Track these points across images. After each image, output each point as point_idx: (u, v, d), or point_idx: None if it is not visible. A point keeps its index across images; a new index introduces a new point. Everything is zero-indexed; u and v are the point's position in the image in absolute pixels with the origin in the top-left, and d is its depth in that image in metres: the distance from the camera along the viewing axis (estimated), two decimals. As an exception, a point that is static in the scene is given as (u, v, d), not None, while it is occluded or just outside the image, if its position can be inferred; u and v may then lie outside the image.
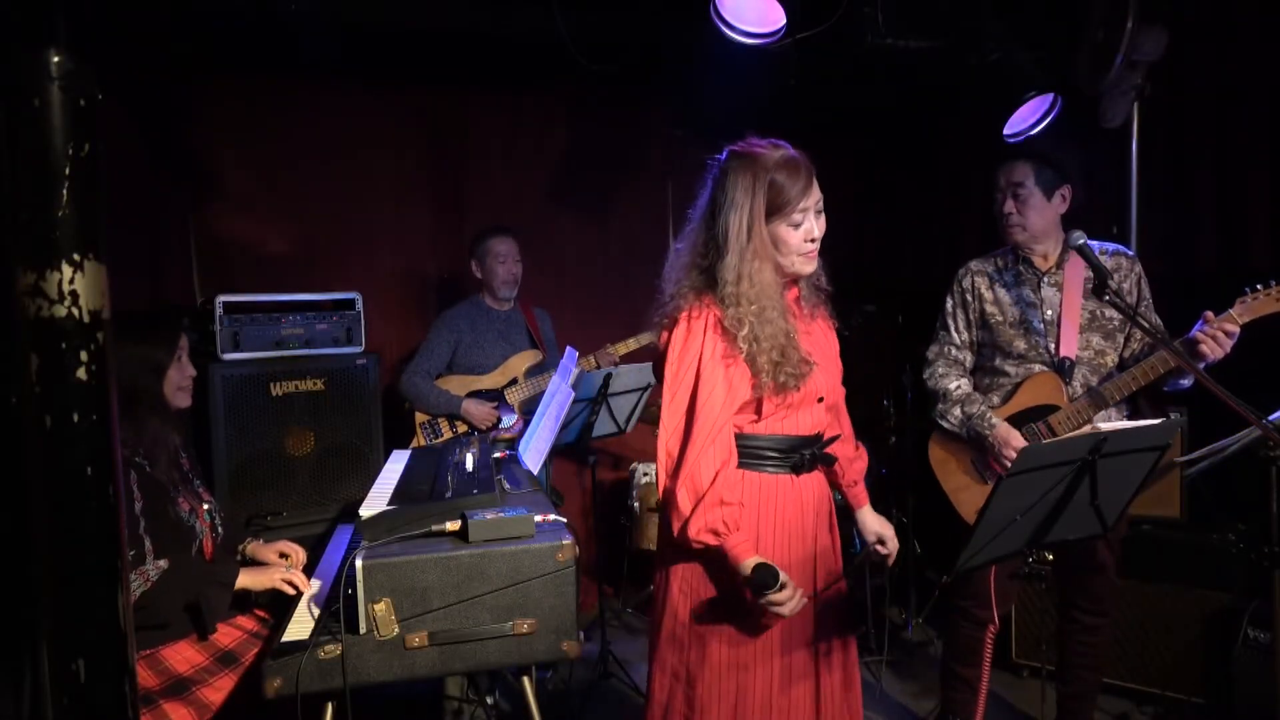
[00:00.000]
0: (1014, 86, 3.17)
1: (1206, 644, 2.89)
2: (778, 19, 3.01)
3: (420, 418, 3.50)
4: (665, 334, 1.78)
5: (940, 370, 2.64)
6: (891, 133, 4.69)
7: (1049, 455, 1.63)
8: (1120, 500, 1.82)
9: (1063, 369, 2.45)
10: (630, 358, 3.46)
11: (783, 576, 1.59)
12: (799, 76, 3.50)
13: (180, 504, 2.21)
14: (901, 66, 3.66)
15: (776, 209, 1.70)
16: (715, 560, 1.71)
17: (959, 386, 2.59)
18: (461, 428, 3.47)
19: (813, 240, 1.74)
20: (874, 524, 2.00)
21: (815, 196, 1.74)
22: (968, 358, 2.65)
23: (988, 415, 2.49)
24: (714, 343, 1.70)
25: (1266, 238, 3.11)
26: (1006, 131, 3.30)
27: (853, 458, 2.01)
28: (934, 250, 4.61)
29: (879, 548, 1.98)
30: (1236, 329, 2.24)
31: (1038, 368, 2.49)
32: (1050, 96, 3.16)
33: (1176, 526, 2.98)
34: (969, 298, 2.62)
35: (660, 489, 1.75)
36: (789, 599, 1.60)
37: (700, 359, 1.70)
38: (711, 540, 1.66)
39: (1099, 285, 2.13)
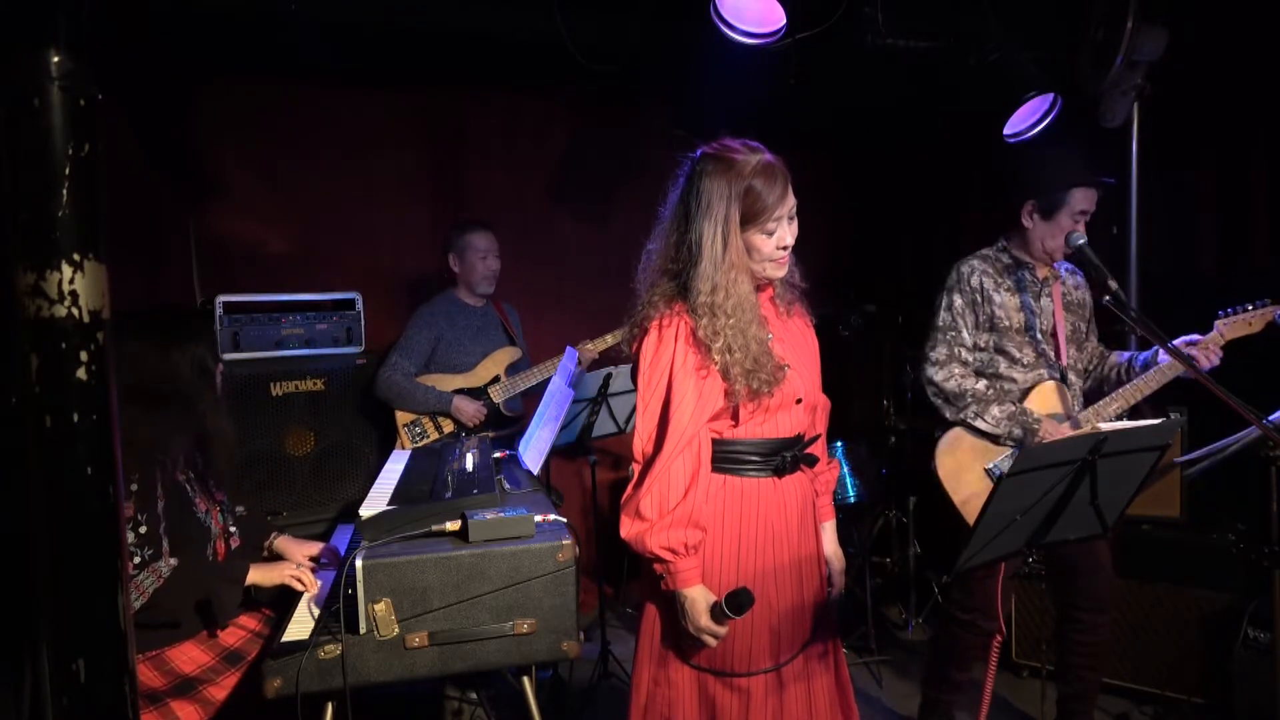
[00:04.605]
0: (1014, 86, 3.16)
1: (1206, 644, 2.89)
2: (778, 19, 3.01)
3: (403, 419, 3.30)
4: (636, 343, 1.75)
5: (957, 371, 2.53)
6: (891, 133, 4.69)
7: (1049, 455, 1.63)
8: (1120, 500, 1.81)
9: (1065, 379, 2.46)
10: (609, 354, 3.43)
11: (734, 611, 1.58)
12: (799, 76, 3.49)
13: (198, 504, 2.22)
14: (901, 67, 3.66)
15: (752, 217, 1.65)
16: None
17: (987, 386, 2.52)
18: (447, 426, 3.33)
19: (784, 248, 1.70)
20: (826, 547, 1.91)
21: (790, 203, 1.69)
22: (972, 360, 2.58)
23: (1030, 410, 2.46)
24: (685, 353, 1.67)
25: (1266, 238, 3.11)
26: (1006, 132, 3.30)
27: (821, 470, 1.92)
28: (934, 250, 4.61)
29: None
30: (1224, 340, 2.40)
31: (1043, 375, 2.50)
32: (1050, 96, 3.16)
33: (1176, 526, 2.97)
34: (978, 298, 2.55)
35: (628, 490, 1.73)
36: (719, 636, 1.64)
37: (671, 369, 1.67)
38: (666, 555, 1.64)
39: (1100, 286, 2.13)
